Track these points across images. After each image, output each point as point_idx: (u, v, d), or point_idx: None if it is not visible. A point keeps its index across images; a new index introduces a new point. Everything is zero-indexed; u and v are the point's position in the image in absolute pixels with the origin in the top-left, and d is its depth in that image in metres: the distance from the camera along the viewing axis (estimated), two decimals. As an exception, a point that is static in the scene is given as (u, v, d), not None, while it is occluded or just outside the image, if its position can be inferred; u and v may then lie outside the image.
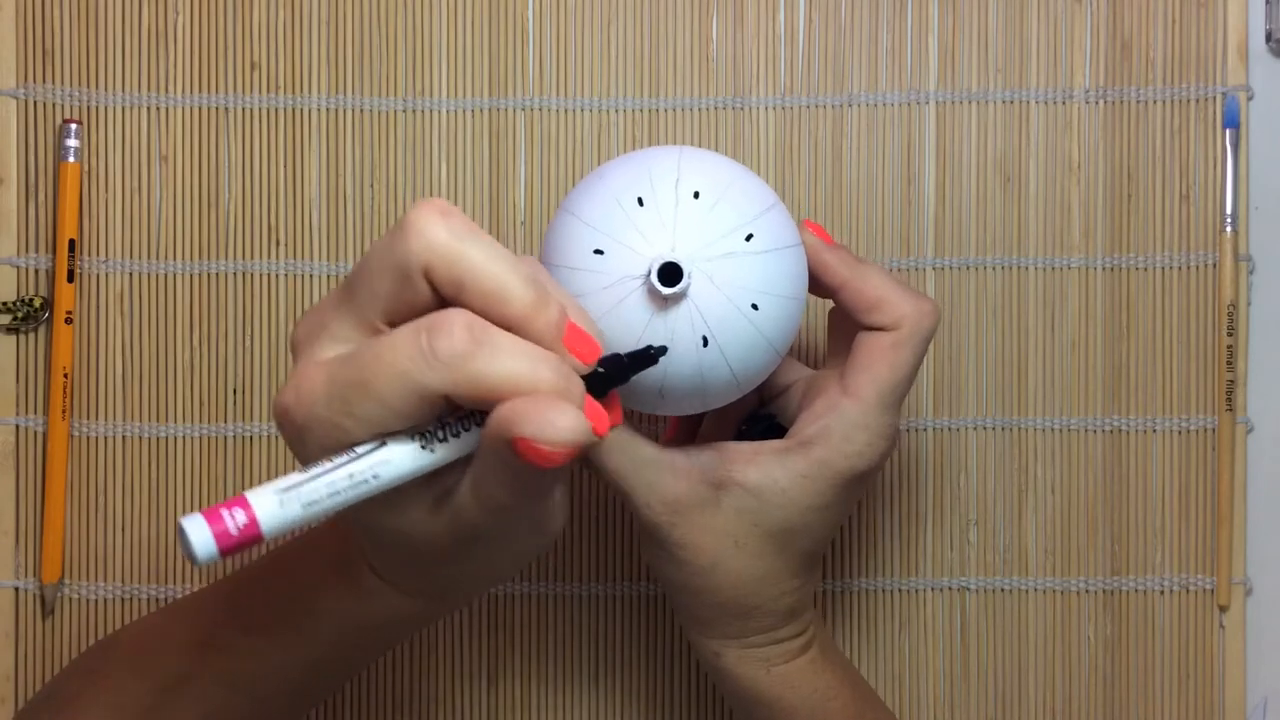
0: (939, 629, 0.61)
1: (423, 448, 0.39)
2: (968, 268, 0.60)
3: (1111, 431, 0.60)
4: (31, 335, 0.59)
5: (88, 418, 0.60)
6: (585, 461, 0.49)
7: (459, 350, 0.37)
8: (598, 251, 0.45)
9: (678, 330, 0.45)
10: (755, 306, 0.45)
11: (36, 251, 0.59)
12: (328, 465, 0.38)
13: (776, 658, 0.51)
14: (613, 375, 0.42)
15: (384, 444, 0.38)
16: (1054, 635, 0.61)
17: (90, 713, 0.50)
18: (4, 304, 0.59)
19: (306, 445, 0.39)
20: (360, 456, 0.38)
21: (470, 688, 0.60)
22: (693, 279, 0.44)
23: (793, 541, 0.49)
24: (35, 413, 0.59)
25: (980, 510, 0.60)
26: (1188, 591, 0.60)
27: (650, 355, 0.43)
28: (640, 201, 0.45)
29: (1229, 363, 0.60)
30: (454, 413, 0.39)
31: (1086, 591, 0.60)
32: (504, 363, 0.38)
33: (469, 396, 0.38)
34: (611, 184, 0.46)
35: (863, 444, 0.49)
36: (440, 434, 0.39)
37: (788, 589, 0.50)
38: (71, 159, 0.59)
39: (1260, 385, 0.60)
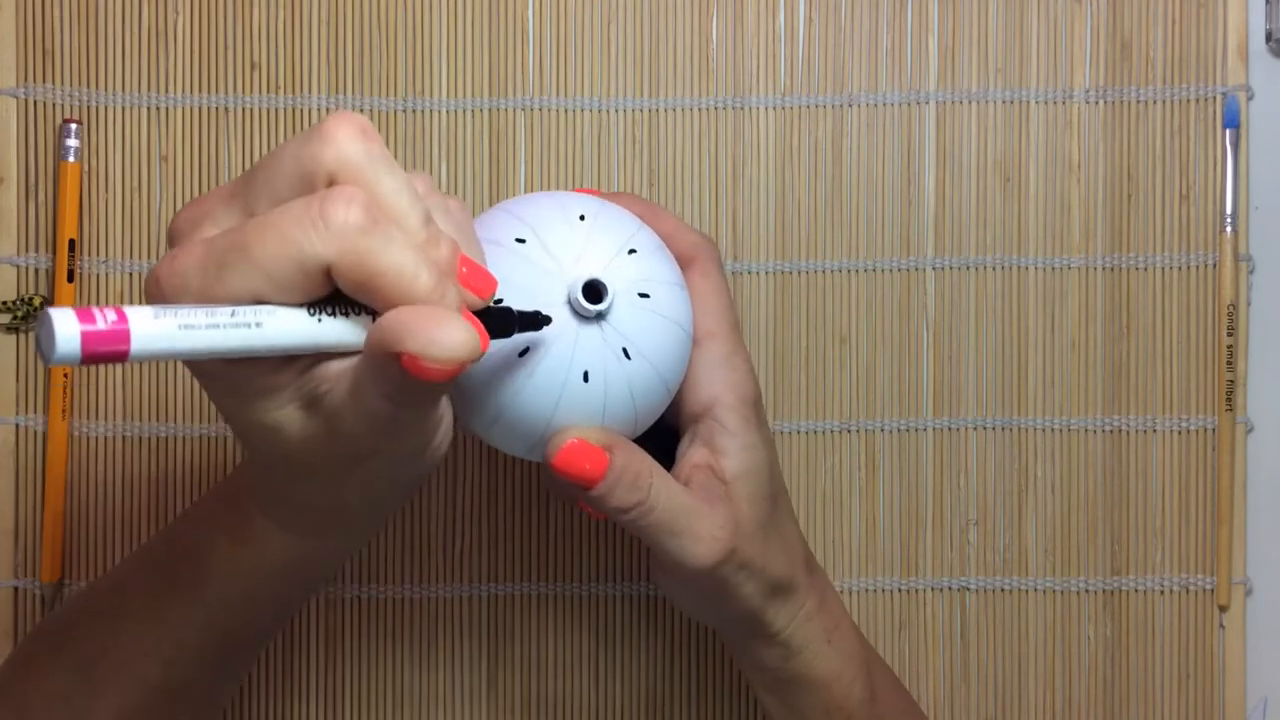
0: (939, 629, 0.61)
1: (310, 315, 0.37)
2: (968, 268, 0.60)
3: (1111, 431, 0.60)
4: (31, 335, 0.59)
5: (88, 418, 0.60)
6: (629, 522, 0.47)
7: (353, 222, 0.36)
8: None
9: (600, 353, 0.44)
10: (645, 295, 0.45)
11: (36, 251, 0.59)
12: (210, 305, 0.36)
13: (828, 624, 0.51)
14: (497, 325, 0.41)
15: (268, 305, 0.37)
16: (1054, 635, 0.61)
17: (24, 700, 0.49)
18: (4, 303, 0.59)
19: None
20: (242, 307, 0.36)
21: (470, 688, 0.60)
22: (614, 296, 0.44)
23: (776, 484, 0.50)
24: (35, 412, 0.59)
25: (980, 510, 0.60)
26: (1188, 591, 0.60)
27: (540, 319, 0.42)
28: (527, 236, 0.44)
29: (1229, 363, 0.60)
30: (338, 300, 0.38)
31: (1086, 591, 0.60)
32: (393, 252, 0.36)
33: (351, 275, 0.36)
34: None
35: (744, 367, 0.49)
36: (329, 309, 0.37)
37: (797, 534, 0.52)
38: (71, 159, 0.59)
39: (1260, 385, 0.60)
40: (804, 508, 0.60)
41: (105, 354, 0.33)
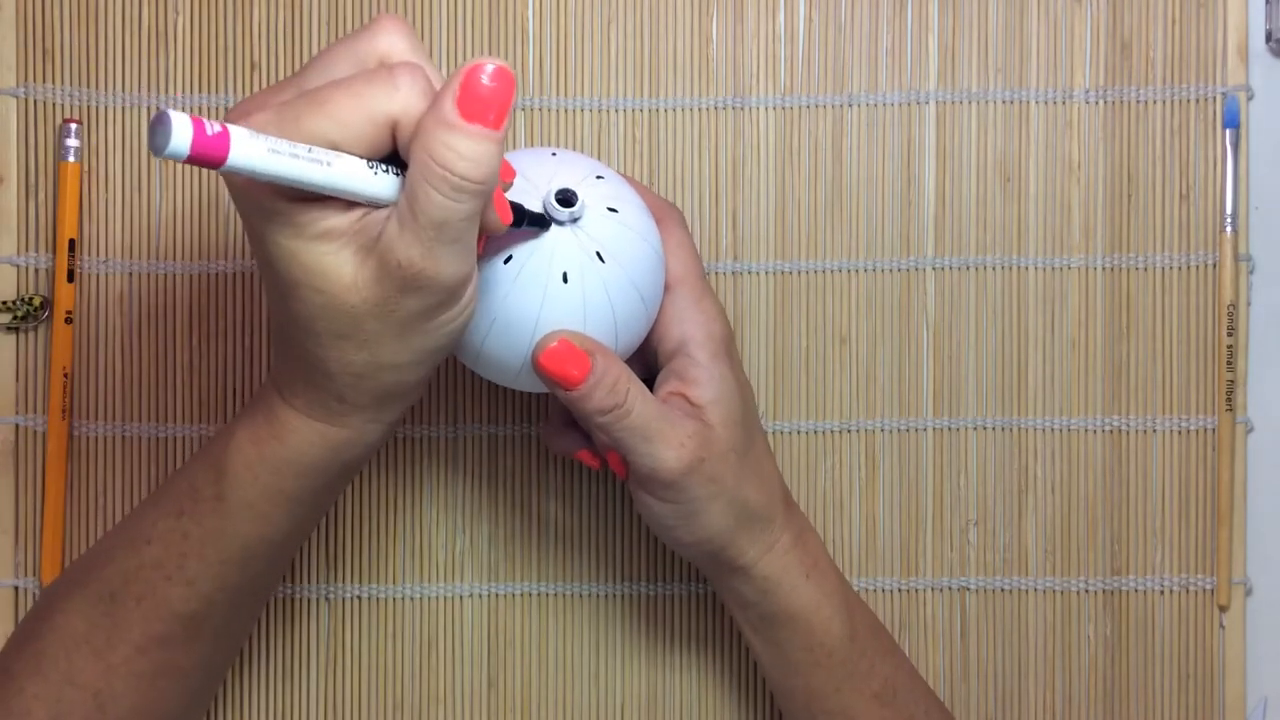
0: (939, 629, 0.61)
1: (368, 166, 0.42)
2: (968, 268, 0.60)
3: (1111, 431, 0.60)
4: (31, 335, 0.59)
5: (88, 418, 0.60)
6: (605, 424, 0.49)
7: (419, 86, 0.42)
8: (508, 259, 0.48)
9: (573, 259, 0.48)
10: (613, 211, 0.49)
11: (36, 251, 0.59)
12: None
13: (806, 561, 0.53)
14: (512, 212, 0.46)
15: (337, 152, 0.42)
16: (1054, 635, 0.61)
17: (39, 649, 0.50)
18: (4, 303, 0.59)
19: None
20: (318, 148, 0.41)
21: (470, 688, 0.60)
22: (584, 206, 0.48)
23: (750, 417, 0.52)
24: (35, 412, 0.59)
25: (980, 510, 0.60)
26: (1188, 591, 0.60)
27: (545, 219, 0.47)
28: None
29: (1229, 363, 0.60)
30: (391, 161, 0.43)
31: (1086, 591, 0.60)
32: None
33: (410, 129, 0.41)
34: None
35: (713, 309, 0.52)
36: (386, 167, 0.42)
37: (775, 472, 0.54)
38: (71, 159, 0.59)
39: (1260, 385, 0.60)
40: (804, 508, 0.60)
41: (207, 157, 0.39)
